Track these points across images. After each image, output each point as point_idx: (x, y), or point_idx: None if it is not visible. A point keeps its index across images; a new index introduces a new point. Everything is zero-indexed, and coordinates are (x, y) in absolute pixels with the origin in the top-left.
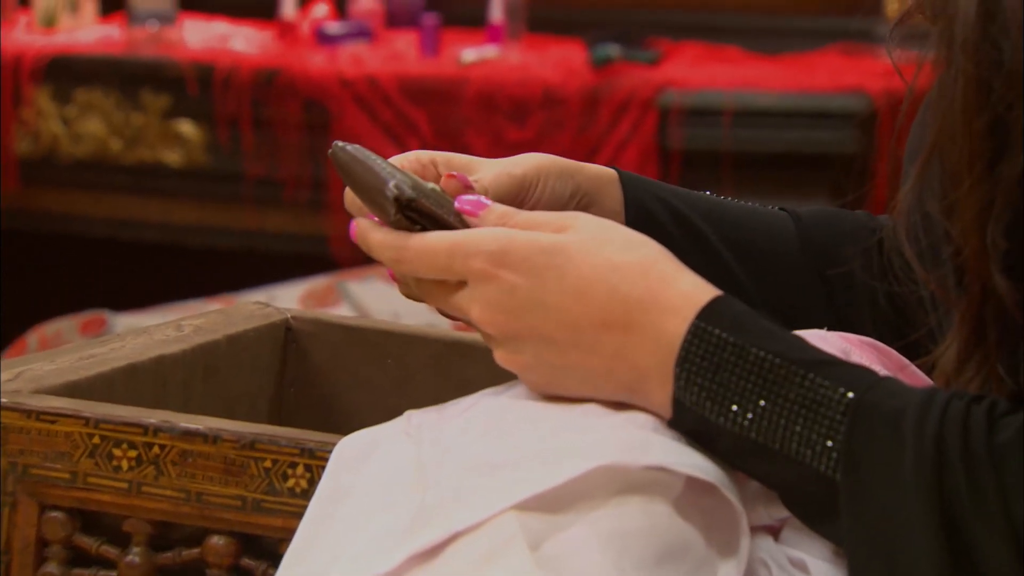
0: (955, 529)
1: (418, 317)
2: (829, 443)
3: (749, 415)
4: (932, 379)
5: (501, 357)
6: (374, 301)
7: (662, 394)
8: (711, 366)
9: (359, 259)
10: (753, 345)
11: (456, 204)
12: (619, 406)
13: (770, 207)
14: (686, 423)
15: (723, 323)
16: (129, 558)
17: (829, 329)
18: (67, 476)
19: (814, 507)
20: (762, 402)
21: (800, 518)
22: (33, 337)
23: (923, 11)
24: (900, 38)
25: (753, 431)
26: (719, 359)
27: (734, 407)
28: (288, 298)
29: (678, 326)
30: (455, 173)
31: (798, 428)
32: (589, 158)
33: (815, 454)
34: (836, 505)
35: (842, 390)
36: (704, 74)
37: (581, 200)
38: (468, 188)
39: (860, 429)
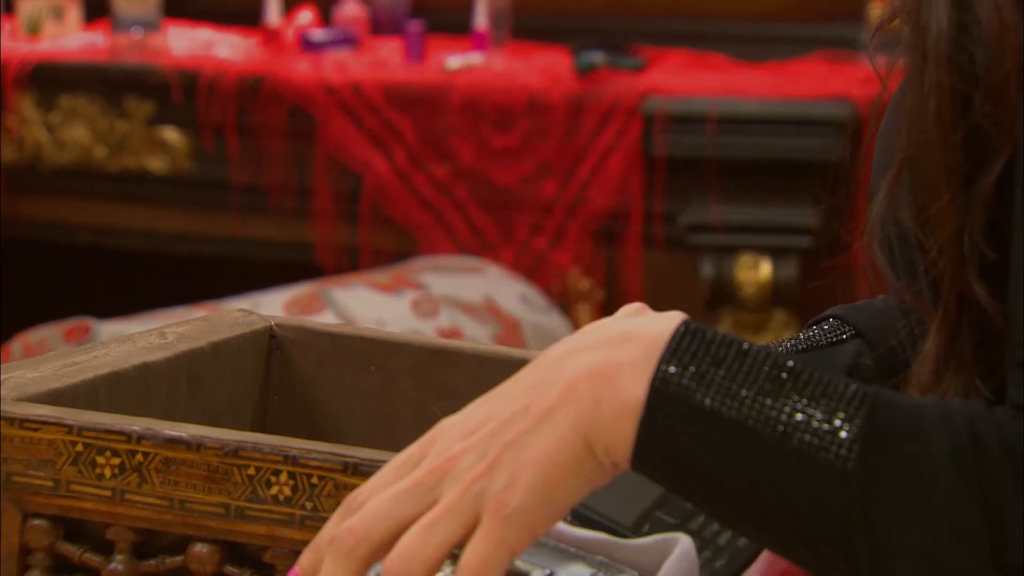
0: (995, 511)
1: (402, 324)
2: (844, 430)
3: (748, 396)
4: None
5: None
6: (359, 308)
7: (635, 385)
8: (706, 356)
9: (343, 266)
10: (746, 344)
11: None
12: None
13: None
14: (663, 415)
15: (708, 331)
16: (112, 566)
17: None
18: (50, 484)
19: (810, 522)
20: (767, 384)
21: (790, 549)
22: (17, 344)
23: (902, 17)
24: (881, 44)
25: (751, 417)
26: (714, 353)
27: (732, 387)
28: (273, 305)
29: (662, 328)
30: None
31: (804, 413)
32: (574, 165)
33: (824, 442)
34: (844, 508)
35: (853, 385)
36: (689, 81)
37: None
38: None
39: (878, 416)
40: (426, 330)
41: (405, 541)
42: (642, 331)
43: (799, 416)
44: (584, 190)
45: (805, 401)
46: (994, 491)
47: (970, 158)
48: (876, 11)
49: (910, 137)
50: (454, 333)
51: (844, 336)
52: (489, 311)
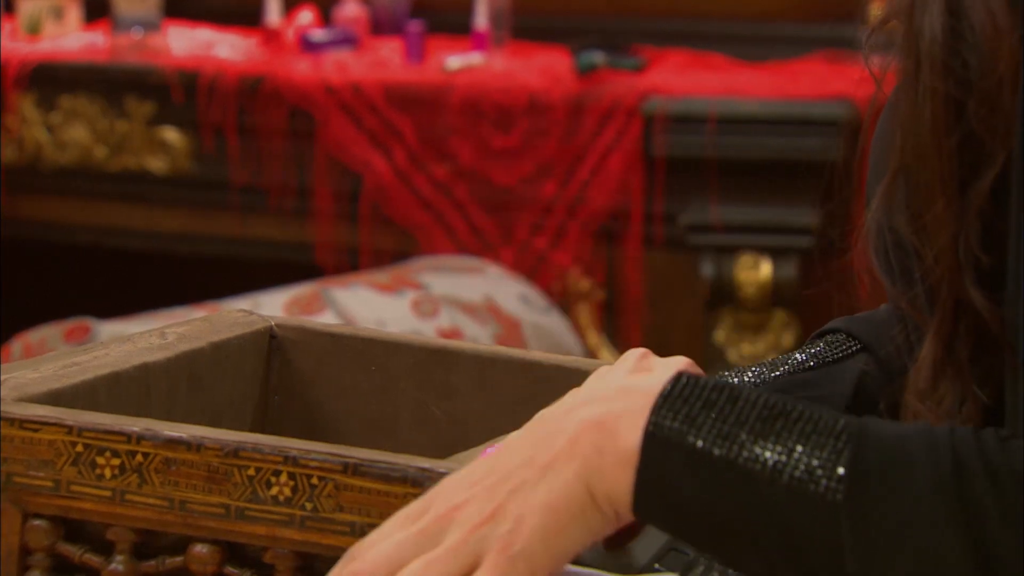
0: (980, 536)
1: (402, 324)
2: (831, 464)
3: (739, 436)
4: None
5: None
6: (359, 308)
7: (633, 434)
8: (698, 400)
9: (343, 266)
10: (739, 388)
11: None
12: None
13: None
14: (657, 459)
15: (703, 379)
16: (112, 566)
17: None
18: (50, 484)
19: (806, 555)
20: (757, 424)
21: None
22: (17, 344)
23: (897, 19)
24: (877, 45)
25: (742, 456)
26: (707, 397)
27: (724, 428)
28: (273, 305)
29: (660, 379)
30: None
31: (794, 450)
32: (574, 165)
33: (815, 477)
34: (836, 540)
35: (842, 420)
36: (689, 81)
37: None
38: None
39: (865, 449)
40: (426, 330)
41: (405, 573)
42: (641, 383)
43: (788, 453)
44: (584, 190)
45: (795, 438)
46: (979, 517)
47: (965, 164)
48: (876, 11)
49: (904, 144)
50: (454, 333)
51: (851, 351)
52: (489, 311)
